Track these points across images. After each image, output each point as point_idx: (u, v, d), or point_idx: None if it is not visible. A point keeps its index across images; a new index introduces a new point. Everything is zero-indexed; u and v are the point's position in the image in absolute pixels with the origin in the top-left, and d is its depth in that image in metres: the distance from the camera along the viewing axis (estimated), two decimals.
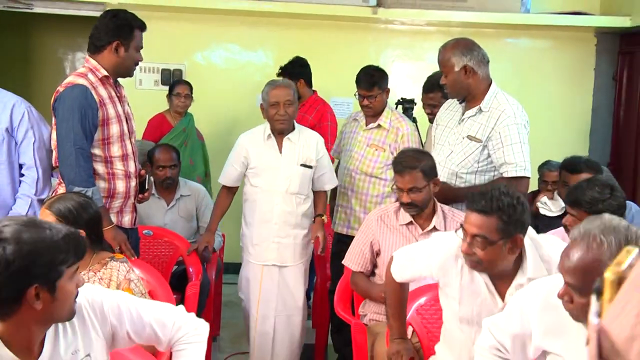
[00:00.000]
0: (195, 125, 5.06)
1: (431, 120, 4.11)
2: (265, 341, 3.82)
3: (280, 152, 3.70)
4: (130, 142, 3.55)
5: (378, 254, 3.41)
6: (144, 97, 5.40)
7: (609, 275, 1.07)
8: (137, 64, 3.56)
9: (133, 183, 3.52)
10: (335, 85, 6.16)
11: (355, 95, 4.22)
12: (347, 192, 3.94)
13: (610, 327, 1.01)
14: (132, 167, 3.51)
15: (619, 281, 1.04)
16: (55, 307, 1.89)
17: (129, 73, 3.55)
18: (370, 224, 3.42)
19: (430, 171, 3.19)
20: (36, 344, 1.97)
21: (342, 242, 3.80)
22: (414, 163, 3.23)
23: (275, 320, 3.78)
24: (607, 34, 6.72)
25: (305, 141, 3.79)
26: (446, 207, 3.49)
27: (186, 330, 2.18)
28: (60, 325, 2.01)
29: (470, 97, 3.36)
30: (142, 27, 3.54)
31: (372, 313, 3.25)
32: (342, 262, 3.47)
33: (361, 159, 4.05)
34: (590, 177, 3.20)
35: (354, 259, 3.41)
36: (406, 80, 5.95)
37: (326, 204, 3.92)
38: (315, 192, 3.77)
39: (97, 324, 2.06)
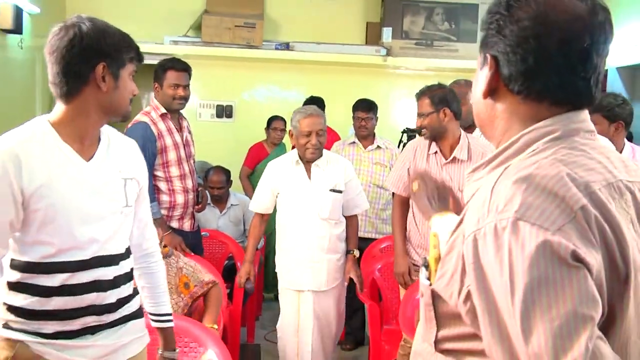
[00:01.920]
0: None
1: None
2: None
3: (310, 179, 3.44)
4: (188, 163, 3.76)
5: None
6: (203, 127, 5.96)
7: (431, 255, 1.29)
8: (175, 98, 3.68)
9: (191, 196, 3.76)
10: (348, 118, 6.63)
11: (353, 118, 4.69)
12: None
13: (435, 285, 1.20)
14: (189, 184, 3.74)
15: (437, 258, 1.26)
16: (116, 96, 1.89)
17: (170, 107, 3.70)
18: (408, 151, 3.42)
19: (440, 101, 3.19)
20: (89, 141, 1.91)
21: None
22: (425, 91, 3.32)
23: (313, 345, 3.51)
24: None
25: (333, 166, 3.52)
26: (474, 139, 3.41)
27: (155, 252, 2.17)
28: (113, 145, 1.99)
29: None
30: (175, 66, 3.71)
31: None
32: (388, 186, 3.57)
33: (372, 174, 4.42)
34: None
35: (394, 182, 3.41)
36: (409, 113, 6.03)
37: (357, 230, 3.66)
38: (347, 217, 3.52)
39: (139, 175, 2.06)
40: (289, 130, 3.48)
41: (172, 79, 3.59)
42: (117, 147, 1.96)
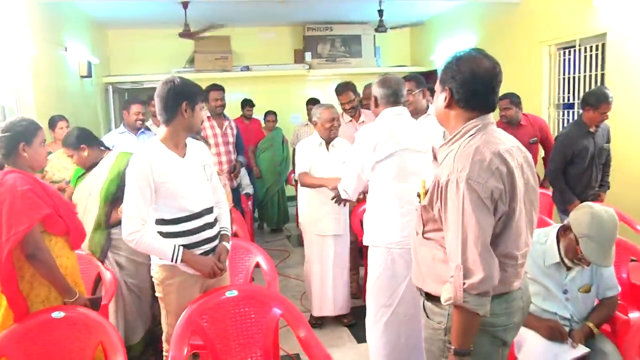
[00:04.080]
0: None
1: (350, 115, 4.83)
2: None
3: (329, 153, 3.92)
4: (224, 146, 4.80)
5: None
6: None
7: (421, 189, 1.89)
8: (216, 107, 4.62)
9: (225, 166, 4.72)
10: (287, 110, 8.57)
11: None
12: None
13: (423, 203, 1.83)
14: (223, 159, 4.76)
15: (425, 191, 1.85)
16: (193, 120, 2.42)
17: (214, 112, 4.68)
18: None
19: (420, 83, 3.67)
20: (181, 146, 2.46)
21: None
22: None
23: (333, 271, 4.00)
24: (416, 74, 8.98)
25: (342, 145, 3.96)
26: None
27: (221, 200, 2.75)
28: (192, 146, 2.54)
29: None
30: (214, 88, 4.71)
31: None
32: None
33: None
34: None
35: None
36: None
37: None
38: None
39: (209, 161, 2.64)
40: (314, 120, 3.94)
41: (213, 96, 4.81)
42: (195, 148, 2.59)
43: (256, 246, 3.47)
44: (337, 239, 3.97)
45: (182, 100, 2.36)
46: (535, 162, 4.77)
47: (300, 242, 6.03)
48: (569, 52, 5.94)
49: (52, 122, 4.90)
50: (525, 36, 6.43)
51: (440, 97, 1.88)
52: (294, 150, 5.92)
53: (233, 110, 7.77)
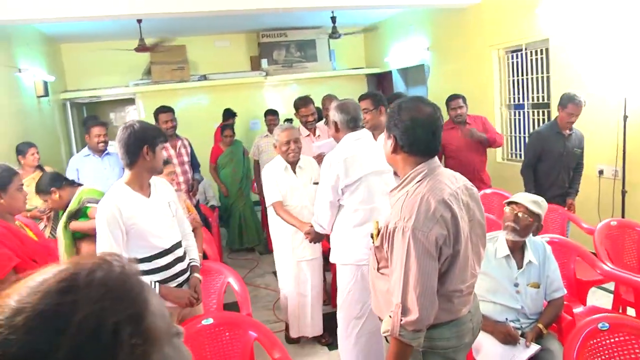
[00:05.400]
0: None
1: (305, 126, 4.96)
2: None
3: (296, 176, 3.78)
4: (180, 166, 4.84)
5: None
6: None
7: (374, 231, 2.03)
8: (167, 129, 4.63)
9: (183, 185, 4.86)
10: (246, 117, 8.69)
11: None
12: None
13: (376, 244, 1.97)
14: (180, 179, 4.87)
15: (377, 232, 1.98)
16: (155, 162, 2.51)
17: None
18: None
19: (376, 100, 3.73)
20: (146, 187, 2.56)
21: None
22: (367, 93, 3.90)
23: (311, 294, 3.94)
24: (370, 75, 9.48)
25: (309, 164, 3.87)
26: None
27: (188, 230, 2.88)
28: (156, 185, 2.63)
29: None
30: (162, 110, 4.81)
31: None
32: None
33: None
34: None
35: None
36: (287, 109, 7.34)
37: None
38: None
39: (172, 197, 2.73)
40: (274, 143, 3.83)
41: (163, 118, 4.91)
42: (158, 186, 2.69)
43: (226, 267, 3.59)
44: (312, 262, 3.95)
45: (142, 144, 2.46)
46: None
47: (267, 249, 6.09)
48: (517, 55, 6.23)
49: (21, 150, 4.90)
50: (475, 40, 6.69)
51: (388, 143, 2.02)
52: (257, 162, 6.18)
53: (194, 121, 7.91)
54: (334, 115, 3.21)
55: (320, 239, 3.49)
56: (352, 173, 3.07)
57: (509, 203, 2.96)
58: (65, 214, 3.33)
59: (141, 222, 2.50)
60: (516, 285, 2.84)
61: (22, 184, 2.72)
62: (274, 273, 5.27)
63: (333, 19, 7.42)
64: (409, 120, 1.92)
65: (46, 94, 6.69)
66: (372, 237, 2.07)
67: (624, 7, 4.72)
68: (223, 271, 3.53)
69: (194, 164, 5.33)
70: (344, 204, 3.17)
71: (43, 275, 0.66)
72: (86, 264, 0.67)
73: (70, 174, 4.54)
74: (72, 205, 3.35)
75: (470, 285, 2.03)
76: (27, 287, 0.64)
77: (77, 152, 7.54)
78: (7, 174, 2.63)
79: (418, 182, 1.92)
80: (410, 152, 1.95)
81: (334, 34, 7.58)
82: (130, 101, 8.85)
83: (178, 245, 2.71)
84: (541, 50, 5.83)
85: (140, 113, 8.78)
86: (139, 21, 6.71)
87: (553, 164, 4.65)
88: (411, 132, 1.92)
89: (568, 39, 5.32)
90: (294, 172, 3.79)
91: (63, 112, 8.07)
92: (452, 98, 5.18)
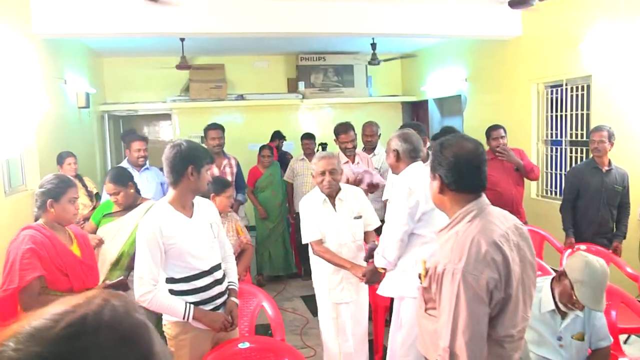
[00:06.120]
0: None
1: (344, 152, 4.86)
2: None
3: (335, 211, 3.42)
4: None
5: None
6: None
7: (422, 270, 2.01)
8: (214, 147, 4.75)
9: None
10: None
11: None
12: None
13: (424, 284, 1.96)
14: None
15: (426, 272, 1.96)
16: (199, 183, 2.51)
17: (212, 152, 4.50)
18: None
19: (420, 132, 3.65)
20: (189, 207, 2.57)
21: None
22: (412, 123, 4.07)
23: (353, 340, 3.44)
24: (405, 103, 9.50)
25: (350, 195, 3.49)
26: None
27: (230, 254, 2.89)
28: (199, 205, 2.64)
29: None
30: (211, 127, 4.84)
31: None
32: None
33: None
34: None
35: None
36: (321, 133, 7.60)
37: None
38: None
39: (215, 218, 2.74)
40: (311, 173, 3.52)
41: (211, 135, 4.98)
42: (201, 207, 2.69)
43: (260, 290, 3.59)
44: (354, 304, 3.47)
45: (188, 164, 2.46)
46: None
47: (295, 273, 6.04)
48: (557, 90, 6.16)
49: (60, 158, 4.99)
50: (515, 73, 6.64)
51: (433, 184, 2.01)
52: (290, 185, 6.17)
53: (228, 140, 7.64)
54: (397, 144, 3.14)
55: (377, 279, 3.20)
56: (430, 200, 2.79)
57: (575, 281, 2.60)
58: (127, 243, 3.36)
59: (181, 242, 2.49)
60: (559, 339, 2.71)
61: (76, 197, 2.75)
62: (302, 297, 5.49)
63: (373, 45, 7.47)
64: (453, 157, 1.92)
65: (87, 106, 6.81)
66: (419, 277, 2.03)
67: None
68: (257, 294, 3.50)
69: (239, 185, 5.26)
70: (417, 233, 2.98)
71: (47, 317, 0.66)
72: (91, 305, 0.67)
73: None
74: (132, 236, 3.30)
75: (521, 330, 1.96)
76: (34, 329, 0.64)
77: (111, 164, 7.99)
78: (62, 185, 2.68)
79: (468, 222, 1.89)
80: (457, 189, 1.93)
81: (373, 61, 7.62)
82: (167, 116, 8.95)
83: (217, 267, 2.70)
84: (582, 87, 5.75)
85: (176, 129, 8.90)
86: (182, 39, 6.85)
87: (591, 200, 4.53)
88: (456, 168, 1.91)
89: (612, 76, 5.24)
90: (333, 205, 3.43)
91: (101, 124, 8.22)
92: (494, 128, 5.13)
